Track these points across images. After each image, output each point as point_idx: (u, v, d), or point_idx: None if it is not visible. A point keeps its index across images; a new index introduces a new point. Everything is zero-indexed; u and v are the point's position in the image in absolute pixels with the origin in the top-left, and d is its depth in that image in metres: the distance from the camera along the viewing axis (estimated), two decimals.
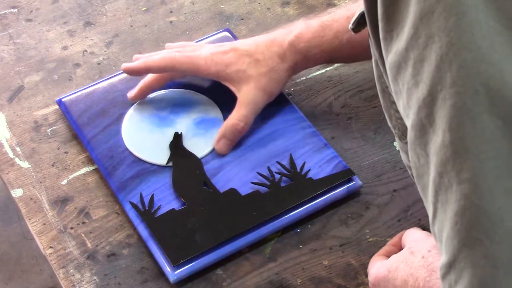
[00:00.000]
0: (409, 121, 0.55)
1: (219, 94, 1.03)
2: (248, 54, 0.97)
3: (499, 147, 0.48)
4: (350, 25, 0.71)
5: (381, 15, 0.55)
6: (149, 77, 1.00)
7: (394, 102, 0.63)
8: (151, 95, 1.03)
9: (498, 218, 0.48)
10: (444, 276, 0.52)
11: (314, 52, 0.97)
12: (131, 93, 1.01)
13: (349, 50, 0.97)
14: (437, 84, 0.50)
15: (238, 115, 0.97)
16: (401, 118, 0.61)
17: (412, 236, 0.82)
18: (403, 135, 0.65)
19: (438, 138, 0.51)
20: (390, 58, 0.56)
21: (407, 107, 0.55)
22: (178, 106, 1.02)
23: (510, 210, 0.48)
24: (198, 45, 1.03)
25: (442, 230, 0.52)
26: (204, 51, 0.99)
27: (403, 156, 0.68)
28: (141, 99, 1.02)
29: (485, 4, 0.49)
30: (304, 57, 0.98)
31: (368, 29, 0.61)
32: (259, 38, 1.00)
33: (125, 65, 1.00)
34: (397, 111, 0.63)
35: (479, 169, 0.49)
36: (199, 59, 0.98)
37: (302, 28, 0.98)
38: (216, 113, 1.01)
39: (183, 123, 1.00)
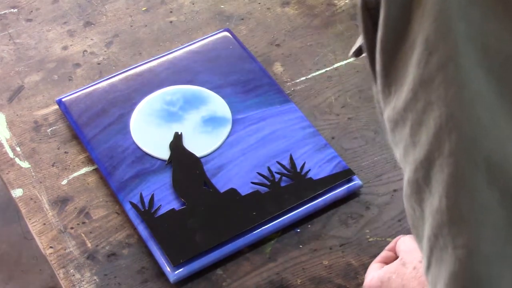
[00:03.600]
0: (405, 175, 0.55)
1: (231, 93, 1.03)
2: None
3: (496, 216, 0.48)
4: (350, 54, 0.71)
5: (380, 70, 0.55)
6: None
7: None
8: (163, 90, 1.04)
9: (492, 285, 0.49)
10: None
11: None
12: None
13: None
14: (434, 151, 0.50)
15: None
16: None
17: (404, 246, 0.83)
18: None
19: (434, 200, 0.51)
20: (388, 112, 0.55)
21: (404, 161, 0.55)
22: (188, 102, 1.03)
23: (505, 278, 0.48)
24: None
25: (436, 283, 0.52)
26: None
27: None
28: None
29: (487, 77, 0.48)
30: None
31: (368, 65, 0.60)
32: None
33: None
34: None
35: (475, 237, 0.49)
36: None
37: None
38: (225, 112, 1.01)
39: (191, 120, 1.01)
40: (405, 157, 0.54)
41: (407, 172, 0.54)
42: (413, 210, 0.54)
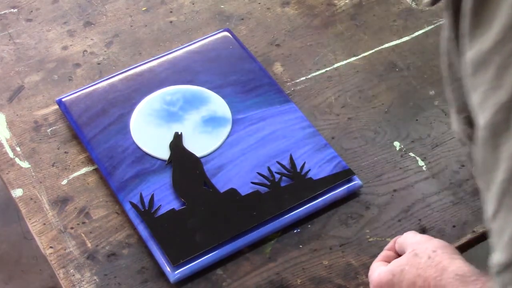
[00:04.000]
0: (481, 120, 0.55)
1: (231, 93, 1.03)
2: None
3: None
4: (425, 2, 0.70)
5: (469, 9, 0.54)
6: None
7: (459, 79, 0.62)
8: (163, 90, 1.04)
9: None
10: (498, 273, 0.53)
11: None
12: None
13: None
14: None
15: None
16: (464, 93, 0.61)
17: (412, 239, 0.82)
18: (462, 110, 0.66)
19: None
20: (471, 55, 0.55)
21: (482, 105, 0.55)
22: (188, 102, 1.03)
23: None
24: None
25: (504, 229, 0.52)
26: None
27: (455, 126, 0.68)
28: None
29: None
30: None
31: (445, 8, 0.59)
32: None
33: None
34: (462, 86, 0.63)
35: None
36: None
37: None
38: (225, 112, 1.01)
39: (191, 120, 1.01)
40: (484, 100, 0.54)
41: (485, 117, 0.54)
42: (485, 155, 0.54)
